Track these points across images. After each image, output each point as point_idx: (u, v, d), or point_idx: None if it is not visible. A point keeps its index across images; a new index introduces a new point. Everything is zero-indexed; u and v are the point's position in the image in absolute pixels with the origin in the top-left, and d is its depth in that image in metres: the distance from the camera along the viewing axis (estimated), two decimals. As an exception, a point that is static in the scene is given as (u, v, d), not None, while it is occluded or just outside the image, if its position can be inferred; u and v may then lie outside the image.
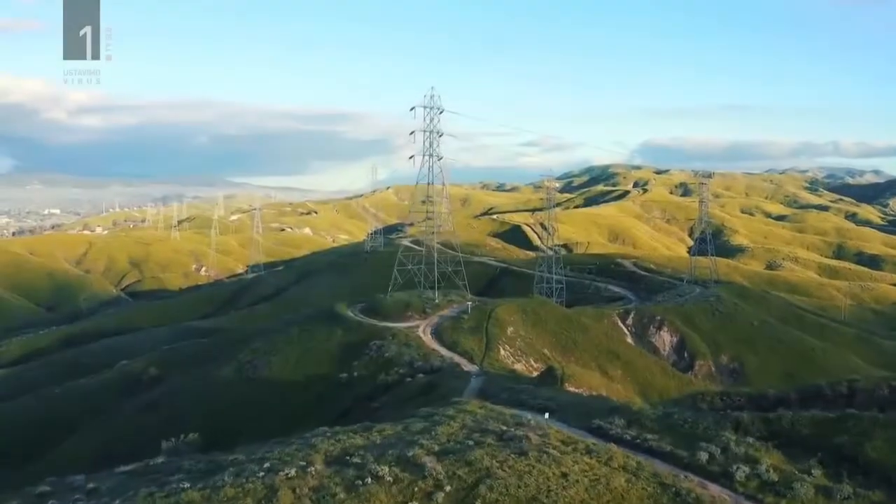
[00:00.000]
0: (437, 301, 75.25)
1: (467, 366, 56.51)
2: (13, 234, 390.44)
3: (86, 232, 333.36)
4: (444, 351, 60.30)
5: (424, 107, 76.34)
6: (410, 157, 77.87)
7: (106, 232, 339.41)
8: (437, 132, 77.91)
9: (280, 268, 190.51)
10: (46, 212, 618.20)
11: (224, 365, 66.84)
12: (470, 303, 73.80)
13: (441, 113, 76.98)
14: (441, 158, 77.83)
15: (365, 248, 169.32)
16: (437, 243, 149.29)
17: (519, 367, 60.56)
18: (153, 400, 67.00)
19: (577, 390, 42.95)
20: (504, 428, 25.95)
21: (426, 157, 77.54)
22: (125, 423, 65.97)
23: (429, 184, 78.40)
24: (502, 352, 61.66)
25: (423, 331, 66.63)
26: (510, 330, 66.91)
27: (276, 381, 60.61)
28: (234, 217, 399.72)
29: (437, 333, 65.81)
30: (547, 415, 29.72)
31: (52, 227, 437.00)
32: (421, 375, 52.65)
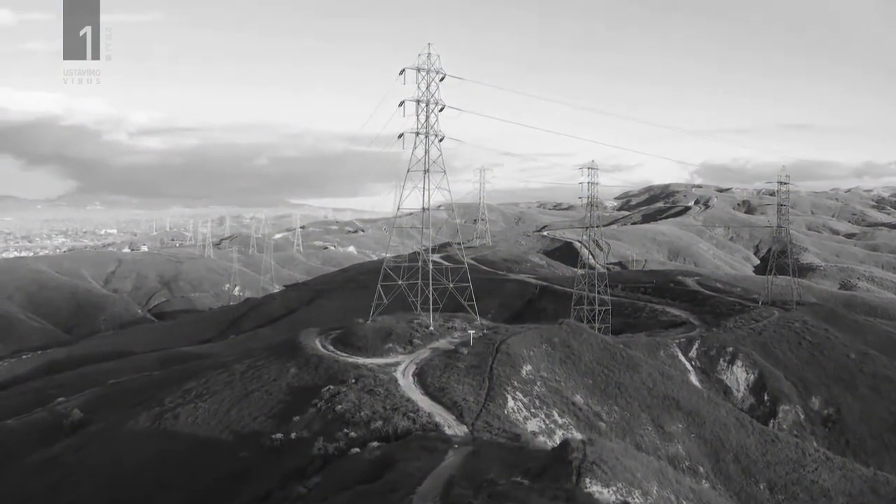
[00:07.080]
0: (431, 328, 56.68)
1: (453, 426, 38.46)
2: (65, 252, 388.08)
3: (125, 250, 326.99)
4: (424, 401, 41.89)
5: (418, 69, 57.72)
6: (400, 136, 58.75)
7: (147, 250, 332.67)
8: (436, 103, 58.90)
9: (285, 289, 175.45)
10: (103, 232, 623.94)
11: (146, 410, 50.42)
12: (473, 331, 55.18)
13: (442, 79, 57.98)
14: (442, 139, 59.10)
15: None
16: (471, 259, 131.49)
17: (534, 424, 42.14)
18: (55, 454, 51.11)
19: (604, 492, 24.56)
20: None
21: (420, 137, 58.87)
22: (17, 484, 50.29)
23: (425, 171, 59.38)
24: (511, 402, 43.14)
25: (403, 370, 48.00)
26: (526, 369, 48.21)
27: (195, 438, 43.69)
28: (277, 235, 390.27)
29: (421, 374, 46.91)
30: None
31: (105, 247, 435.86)
32: (374, 444, 34.96)
